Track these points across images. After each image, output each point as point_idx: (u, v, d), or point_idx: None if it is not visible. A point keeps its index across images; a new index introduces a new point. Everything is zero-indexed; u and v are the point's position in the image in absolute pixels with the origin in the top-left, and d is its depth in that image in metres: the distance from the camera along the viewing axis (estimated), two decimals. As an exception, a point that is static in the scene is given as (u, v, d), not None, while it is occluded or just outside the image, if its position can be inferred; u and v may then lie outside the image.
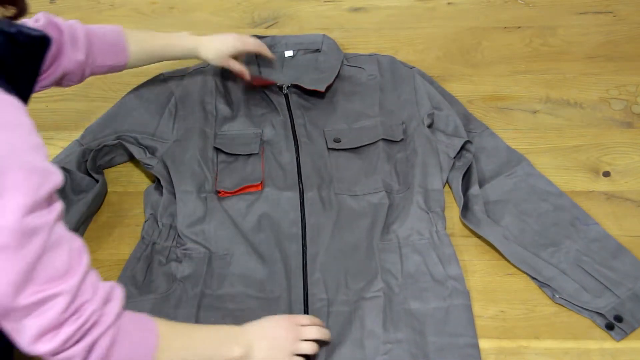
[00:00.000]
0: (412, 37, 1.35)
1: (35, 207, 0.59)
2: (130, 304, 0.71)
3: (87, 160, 1.09)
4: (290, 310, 0.93)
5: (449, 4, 1.41)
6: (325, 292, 0.95)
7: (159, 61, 1.12)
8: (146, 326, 0.71)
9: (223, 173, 1.08)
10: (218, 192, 1.05)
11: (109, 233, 1.07)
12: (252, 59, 1.23)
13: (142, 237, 1.03)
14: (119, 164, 1.16)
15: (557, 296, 0.96)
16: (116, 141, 1.11)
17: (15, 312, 0.60)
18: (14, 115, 0.60)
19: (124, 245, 1.04)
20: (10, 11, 0.68)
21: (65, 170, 1.05)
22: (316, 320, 0.90)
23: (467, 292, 0.95)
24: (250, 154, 1.10)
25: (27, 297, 0.60)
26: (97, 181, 1.08)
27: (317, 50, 1.26)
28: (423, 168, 1.07)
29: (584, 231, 1.02)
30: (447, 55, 1.32)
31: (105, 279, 0.69)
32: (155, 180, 1.10)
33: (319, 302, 0.94)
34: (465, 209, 1.05)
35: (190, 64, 1.22)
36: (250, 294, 0.95)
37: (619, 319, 0.93)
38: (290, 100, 1.16)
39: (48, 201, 0.62)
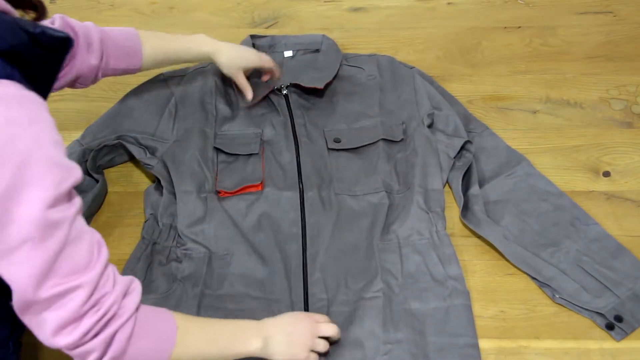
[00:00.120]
0: (412, 37, 1.35)
1: (58, 201, 0.60)
2: None
3: (87, 160, 1.09)
4: (291, 310, 0.93)
5: (449, 4, 1.41)
6: (325, 292, 0.95)
7: (173, 64, 1.13)
8: (165, 319, 0.72)
9: (223, 173, 1.08)
10: (218, 192, 1.05)
11: (109, 233, 1.07)
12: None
13: (142, 237, 1.03)
14: (119, 164, 1.16)
15: (557, 296, 0.96)
16: (116, 141, 1.11)
17: (36, 304, 0.61)
18: (37, 111, 0.61)
19: (124, 245, 1.04)
20: (30, 15, 0.70)
21: None
22: (328, 319, 0.90)
23: (467, 292, 0.95)
24: (250, 154, 1.10)
25: (48, 290, 0.61)
26: (97, 181, 1.09)
27: (317, 51, 1.26)
28: (423, 168, 1.07)
29: (584, 231, 1.02)
30: (447, 55, 1.32)
31: (106, 279, 0.69)
32: (155, 180, 1.10)
33: (319, 302, 0.94)
34: (465, 209, 1.05)
35: (191, 64, 1.22)
36: (250, 294, 0.96)
37: (619, 319, 0.93)
38: (290, 100, 1.16)
39: (68, 196, 0.63)
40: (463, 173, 1.08)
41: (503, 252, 1.00)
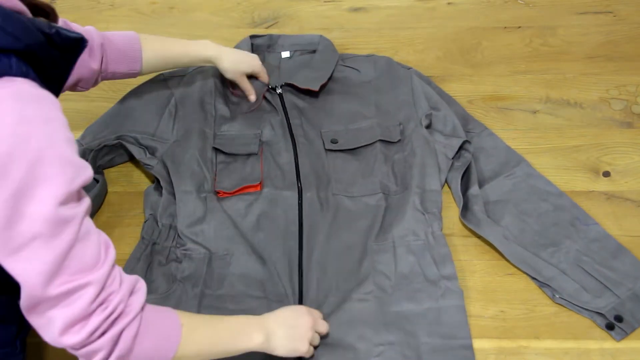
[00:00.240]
0: (412, 37, 1.35)
1: (69, 198, 0.61)
2: None
3: (87, 161, 1.09)
4: None
5: (449, 4, 1.41)
6: (318, 292, 0.95)
7: (174, 68, 1.14)
8: (169, 318, 0.72)
9: (222, 174, 1.08)
10: (217, 193, 1.05)
11: (109, 233, 1.05)
12: None
13: (142, 237, 1.03)
14: (119, 164, 1.16)
15: (557, 296, 0.96)
16: (116, 141, 1.11)
17: (44, 302, 0.62)
18: (51, 110, 0.62)
19: (124, 245, 1.04)
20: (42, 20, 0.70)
21: None
22: (321, 315, 0.91)
23: (460, 292, 0.95)
24: (250, 154, 1.10)
25: (56, 287, 0.61)
26: (97, 181, 1.09)
27: (314, 51, 1.26)
28: (421, 169, 1.07)
29: (584, 231, 1.02)
30: (447, 55, 1.32)
31: (106, 279, 0.69)
32: (155, 181, 1.10)
33: (312, 303, 0.94)
34: (465, 209, 1.05)
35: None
36: (250, 294, 0.96)
37: (619, 319, 0.93)
38: (284, 100, 1.16)
39: (78, 194, 0.64)
40: (462, 173, 1.08)
41: (503, 252, 1.00)
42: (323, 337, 0.90)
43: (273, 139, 1.12)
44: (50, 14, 0.74)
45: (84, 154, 1.09)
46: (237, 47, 1.23)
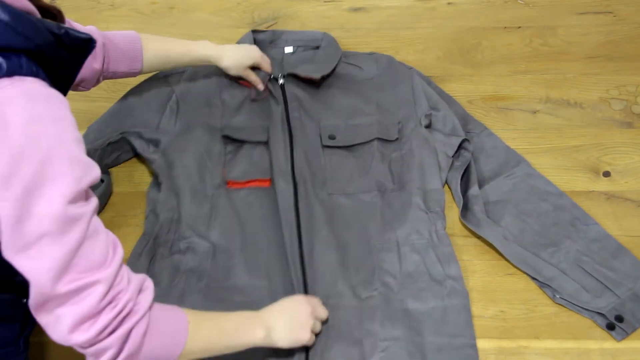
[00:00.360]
0: (412, 37, 1.35)
1: (77, 197, 0.62)
2: None
3: (94, 159, 1.09)
4: None
5: (449, 4, 1.41)
6: (323, 286, 0.95)
7: (174, 67, 1.14)
8: (176, 316, 0.73)
9: (231, 163, 1.09)
10: (227, 183, 1.06)
11: (110, 233, 1.07)
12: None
13: (143, 233, 1.03)
14: (125, 160, 1.16)
15: (558, 296, 0.96)
16: (120, 137, 1.12)
17: (53, 300, 0.62)
18: (60, 109, 0.63)
19: (126, 245, 1.02)
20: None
21: None
22: (320, 302, 0.92)
23: (465, 292, 0.95)
24: (258, 143, 1.11)
25: (65, 285, 0.61)
26: (102, 181, 1.09)
27: (317, 48, 1.26)
28: (421, 169, 1.07)
29: (584, 231, 1.02)
30: (447, 55, 1.32)
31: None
32: (154, 177, 1.10)
33: (317, 296, 0.94)
34: (465, 209, 1.05)
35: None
36: (255, 285, 0.96)
37: (619, 319, 0.93)
38: (286, 91, 1.16)
39: (86, 193, 0.64)
40: (462, 173, 1.08)
41: (503, 252, 1.00)
42: (324, 323, 0.91)
43: (273, 130, 1.12)
44: (57, 15, 0.75)
45: (89, 154, 1.09)
46: (240, 42, 1.24)
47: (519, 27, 1.36)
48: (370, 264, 0.98)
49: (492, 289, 0.99)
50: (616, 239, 1.01)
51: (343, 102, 1.17)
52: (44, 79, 0.64)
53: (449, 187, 1.09)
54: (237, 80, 1.19)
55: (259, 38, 1.26)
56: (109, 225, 1.06)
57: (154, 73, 1.20)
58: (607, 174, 1.11)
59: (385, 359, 0.89)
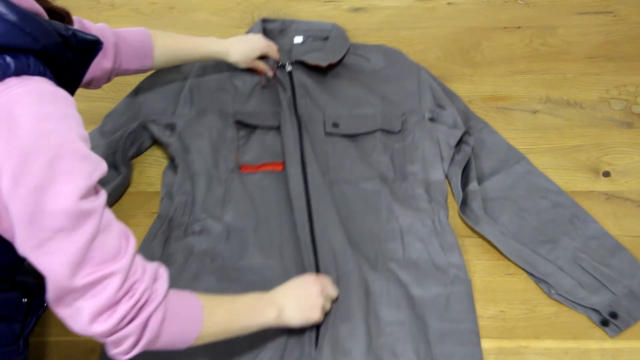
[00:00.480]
0: (412, 37, 1.35)
1: (88, 192, 0.63)
2: None
3: (115, 152, 1.11)
4: None
5: (449, 4, 1.41)
6: (333, 266, 0.97)
7: (183, 63, 1.15)
8: (191, 302, 0.74)
9: (244, 148, 1.11)
10: (240, 168, 1.08)
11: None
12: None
13: (158, 215, 1.05)
14: (147, 149, 1.18)
15: (553, 292, 0.97)
16: (137, 125, 1.13)
17: (71, 293, 0.63)
18: (68, 108, 0.64)
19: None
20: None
21: None
22: (331, 280, 0.94)
23: (468, 280, 0.96)
24: (270, 128, 1.13)
25: (83, 278, 0.63)
26: (119, 173, 1.10)
27: (326, 39, 1.28)
28: (423, 161, 1.09)
29: (583, 229, 1.02)
30: (447, 55, 1.32)
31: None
32: (170, 161, 1.12)
33: (328, 275, 0.96)
34: (464, 205, 1.05)
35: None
36: (268, 266, 0.98)
37: (614, 315, 0.93)
38: (293, 78, 1.18)
39: (96, 188, 0.66)
40: (462, 168, 1.09)
41: (500, 248, 1.01)
42: (335, 301, 0.92)
43: (282, 116, 1.13)
44: (65, 17, 0.76)
45: (110, 146, 1.11)
46: (249, 31, 1.26)
47: (519, 27, 1.36)
48: (374, 250, 1.00)
49: (492, 289, 0.99)
50: (616, 239, 1.01)
51: (349, 92, 1.19)
52: (51, 79, 0.65)
53: (449, 183, 1.10)
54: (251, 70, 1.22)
55: (269, 27, 1.28)
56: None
57: None
58: (607, 174, 1.11)
59: (390, 341, 0.90)
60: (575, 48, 1.31)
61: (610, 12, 1.37)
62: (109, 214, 0.67)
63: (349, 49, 1.25)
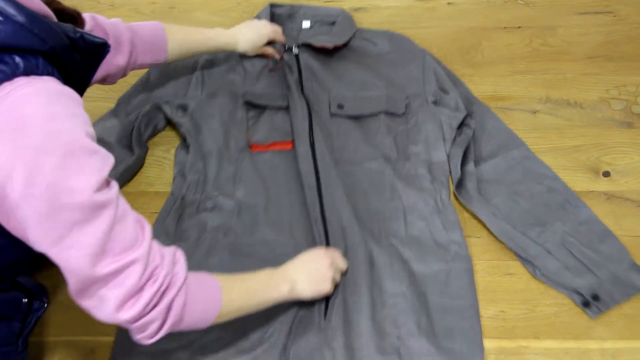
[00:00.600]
0: (412, 37, 1.35)
1: (101, 185, 0.64)
2: None
3: (130, 133, 1.13)
4: None
5: (449, 4, 1.41)
6: (342, 240, 0.99)
7: (195, 55, 1.16)
8: (210, 282, 0.76)
9: (254, 128, 1.13)
10: (250, 147, 1.10)
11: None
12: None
13: (171, 193, 1.08)
14: (162, 130, 1.20)
15: (539, 273, 0.98)
16: (150, 107, 1.16)
17: (95, 283, 0.65)
18: (75, 106, 0.65)
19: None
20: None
21: (104, 143, 1.11)
22: (341, 253, 0.97)
23: (469, 257, 0.98)
24: (279, 108, 1.15)
25: (104, 267, 0.65)
26: (133, 154, 1.12)
27: (333, 23, 1.30)
28: (426, 142, 1.11)
29: (574, 214, 1.04)
30: (447, 55, 1.32)
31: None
32: (182, 140, 1.15)
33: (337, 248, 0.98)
34: (460, 185, 1.07)
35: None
36: (279, 241, 1.00)
37: (595, 297, 0.95)
38: (300, 61, 1.21)
39: (107, 180, 0.67)
40: (463, 150, 1.10)
41: (491, 228, 1.02)
42: (344, 274, 0.95)
43: (290, 97, 1.15)
44: (76, 17, 0.77)
45: (124, 129, 1.14)
46: (258, 16, 1.28)
47: (519, 27, 1.36)
48: (378, 227, 1.02)
49: (492, 289, 0.99)
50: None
51: (354, 75, 1.21)
52: (58, 79, 0.66)
53: (449, 162, 1.11)
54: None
55: (277, 12, 1.30)
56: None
57: None
58: (607, 174, 1.11)
59: (393, 313, 0.92)
60: (575, 48, 1.31)
61: (610, 12, 1.37)
62: (124, 203, 0.68)
63: (355, 33, 1.27)
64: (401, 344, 0.90)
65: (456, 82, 1.22)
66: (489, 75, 1.27)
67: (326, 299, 0.94)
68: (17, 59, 0.61)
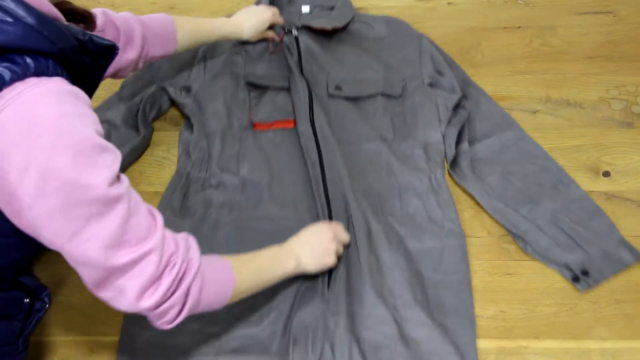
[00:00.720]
0: (412, 37, 1.35)
1: (113, 179, 0.66)
2: (169, 227, 0.75)
3: (136, 114, 1.15)
4: None
5: (449, 4, 1.41)
6: (345, 214, 1.01)
7: (201, 45, 1.18)
8: (222, 265, 0.79)
9: (256, 108, 1.16)
10: (253, 126, 1.13)
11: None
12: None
13: (177, 171, 1.10)
14: (167, 110, 1.22)
15: (529, 248, 1.00)
16: (155, 88, 1.18)
17: (113, 274, 0.67)
18: (83, 106, 0.66)
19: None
20: (80, 27, 0.73)
21: (110, 124, 1.13)
22: (343, 226, 0.99)
23: (462, 233, 1.01)
24: (280, 89, 1.17)
25: (121, 258, 0.66)
26: (139, 134, 1.14)
27: (332, 8, 1.31)
28: (422, 124, 1.14)
29: (565, 192, 1.05)
30: (447, 55, 1.32)
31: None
32: (186, 120, 1.17)
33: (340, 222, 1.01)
34: (454, 163, 1.09)
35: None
36: (283, 216, 1.03)
37: (585, 272, 0.96)
38: (299, 42, 1.23)
39: (118, 175, 0.68)
40: (458, 130, 1.12)
41: (484, 205, 1.05)
42: (347, 247, 0.98)
43: (292, 78, 1.17)
44: (87, 18, 0.77)
45: (129, 110, 1.16)
46: (258, 2, 1.30)
47: (519, 27, 1.36)
48: (375, 205, 1.04)
49: (492, 289, 0.99)
50: (616, 238, 1.01)
51: (352, 58, 1.24)
52: (67, 80, 0.66)
53: (444, 141, 1.13)
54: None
55: None
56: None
57: None
58: (607, 174, 1.11)
59: (390, 282, 0.95)
60: (575, 48, 1.31)
61: (610, 12, 1.37)
62: (136, 195, 0.70)
63: (353, 17, 1.29)
64: (398, 314, 0.93)
65: (452, 65, 1.24)
66: (489, 75, 1.27)
67: (329, 272, 0.96)
68: (28, 60, 0.62)
